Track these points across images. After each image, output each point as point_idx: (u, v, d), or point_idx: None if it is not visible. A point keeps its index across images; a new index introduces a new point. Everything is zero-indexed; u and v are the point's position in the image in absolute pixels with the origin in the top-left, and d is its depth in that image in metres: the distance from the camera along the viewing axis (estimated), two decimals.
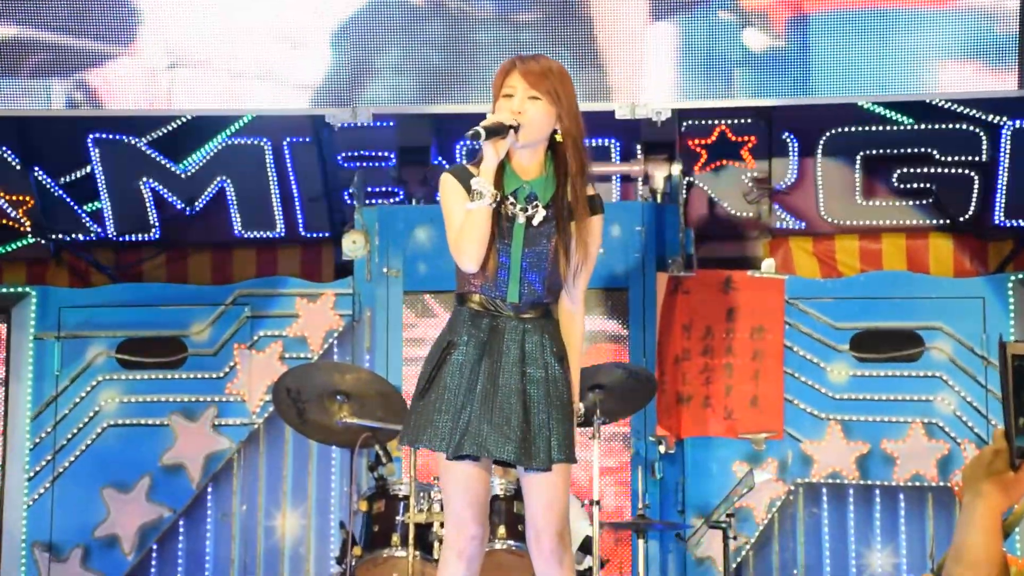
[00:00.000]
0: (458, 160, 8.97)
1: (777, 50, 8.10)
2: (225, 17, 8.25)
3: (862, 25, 8.04)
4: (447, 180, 4.73)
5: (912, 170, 9.03)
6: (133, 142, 9.15)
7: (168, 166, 9.21)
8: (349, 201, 9.09)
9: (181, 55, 8.25)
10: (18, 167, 9.23)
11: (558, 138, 4.74)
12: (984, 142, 8.90)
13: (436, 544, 6.56)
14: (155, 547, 8.73)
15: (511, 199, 4.69)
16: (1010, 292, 8.58)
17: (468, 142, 4.55)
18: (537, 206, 4.68)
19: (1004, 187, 8.88)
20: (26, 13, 8.26)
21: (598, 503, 6.61)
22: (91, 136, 9.14)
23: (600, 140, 9.03)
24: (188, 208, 9.36)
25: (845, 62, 8.03)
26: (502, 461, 4.70)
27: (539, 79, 4.67)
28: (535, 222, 4.68)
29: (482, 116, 4.69)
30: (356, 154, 9.18)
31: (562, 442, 4.67)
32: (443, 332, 4.78)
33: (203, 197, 9.34)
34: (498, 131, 4.59)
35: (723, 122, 8.99)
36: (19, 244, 9.47)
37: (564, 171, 4.74)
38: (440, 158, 9.16)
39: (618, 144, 9.08)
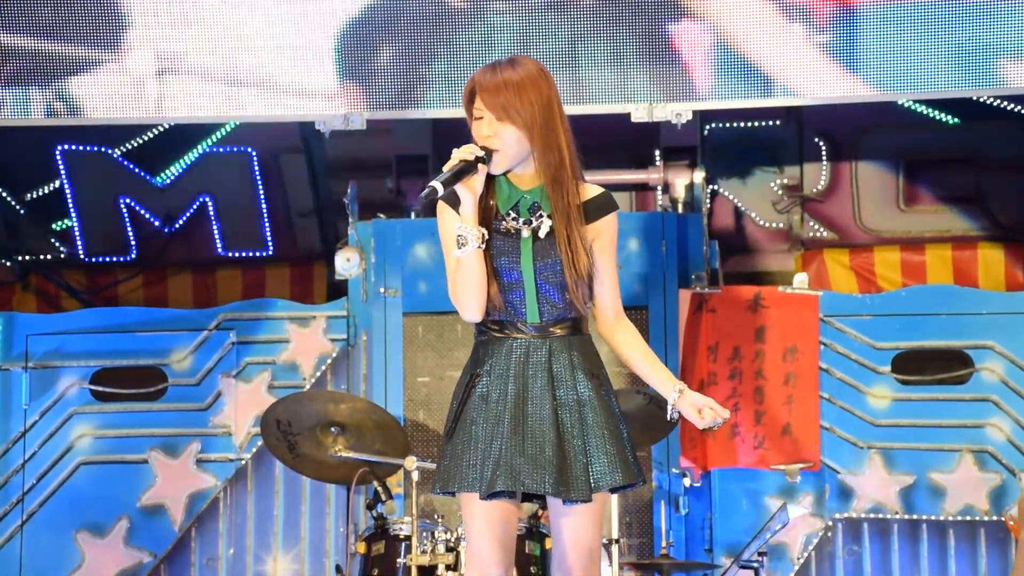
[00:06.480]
0: None
1: (818, 46, 8.02)
2: (213, 21, 8.26)
3: (912, 19, 7.96)
4: (442, 210, 4.70)
5: (958, 174, 9.06)
6: (105, 154, 9.15)
7: (144, 179, 9.22)
8: (344, 216, 8.98)
9: (170, 61, 8.27)
10: None
11: None
12: None
13: None
14: None
15: (512, 214, 4.70)
16: None
17: (424, 201, 4.52)
18: (541, 216, 4.69)
19: None
20: (3, 18, 8.22)
21: (617, 542, 6.59)
22: (59, 148, 9.16)
23: (616, 145, 8.96)
24: (167, 225, 9.36)
25: (892, 57, 7.96)
26: (528, 495, 4.69)
27: (494, 97, 4.62)
28: (542, 234, 4.69)
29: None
30: (349, 164, 9.19)
31: (606, 468, 4.65)
32: (466, 365, 4.79)
33: (183, 213, 9.36)
34: (462, 173, 4.53)
35: (750, 124, 9.02)
36: None
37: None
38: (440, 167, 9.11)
39: (635, 150, 9.05)
